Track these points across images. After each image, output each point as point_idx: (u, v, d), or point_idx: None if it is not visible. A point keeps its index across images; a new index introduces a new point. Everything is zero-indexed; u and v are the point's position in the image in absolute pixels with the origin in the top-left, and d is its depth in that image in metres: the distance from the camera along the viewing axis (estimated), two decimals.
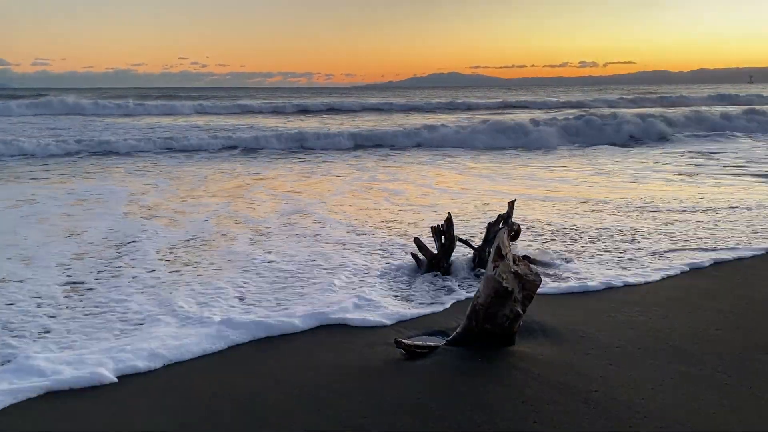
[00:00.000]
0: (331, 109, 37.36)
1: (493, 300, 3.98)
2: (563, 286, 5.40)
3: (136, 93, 63.43)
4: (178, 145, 17.95)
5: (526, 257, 5.99)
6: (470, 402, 3.37)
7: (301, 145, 18.57)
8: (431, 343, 4.12)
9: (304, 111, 36.94)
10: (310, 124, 26.69)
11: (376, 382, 3.66)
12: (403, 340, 4.03)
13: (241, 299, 5.12)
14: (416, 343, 4.08)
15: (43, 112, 31.06)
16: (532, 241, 6.97)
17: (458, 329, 4.22)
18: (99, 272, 5.90)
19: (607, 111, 27.94)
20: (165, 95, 56.39)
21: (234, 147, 18.16)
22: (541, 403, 3.34)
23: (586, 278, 5.59)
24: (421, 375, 3.71)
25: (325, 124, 26.34)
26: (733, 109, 27.80)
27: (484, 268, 4.73)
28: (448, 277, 5.69)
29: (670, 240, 6.97)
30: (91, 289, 5.42)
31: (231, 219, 8.38)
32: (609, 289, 5.32)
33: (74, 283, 5.59)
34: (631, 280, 5.52)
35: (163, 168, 14.23)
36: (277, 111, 37.20)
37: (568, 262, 6.08)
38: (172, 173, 13.30)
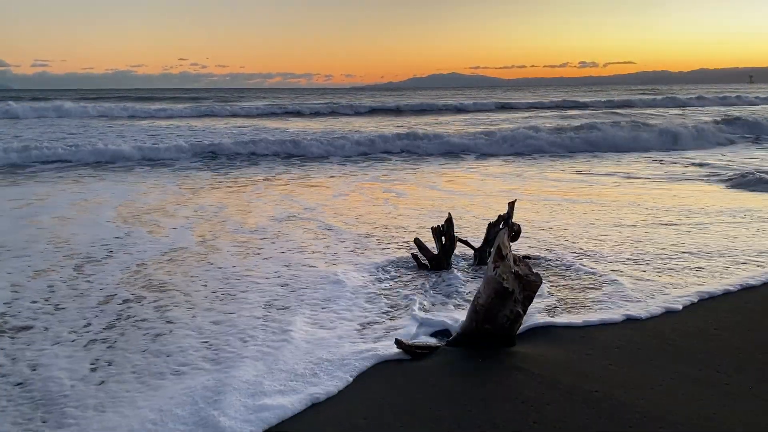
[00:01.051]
0: (333, 112, 36.96)
1: (494, 300, 3.99)
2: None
3: (136, 94, 63.28)
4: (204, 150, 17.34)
5: (526, 257, 6.00)
6: (471, 402, 3.37)
7: (326, 152, 17.68)
8: (432, 344, 4.13)
9: (316, 113, 36.20)
10: (329, 126, 26.43)
11: (377, 382, 3.66)
12: (404, 341, 4.04)
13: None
14: (417, 343, 4.08)
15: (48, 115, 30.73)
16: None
17: (458, 330, 4.23)
18: (45, 300, 5.15)
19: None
20: (178, 97, 55.36)
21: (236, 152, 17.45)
22: (542, 403, 3.34)
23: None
24: (422, 376, 3.72)
25: (329, 127, 26.16)
26: None
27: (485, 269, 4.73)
28: (449, 292, 5.34)
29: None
30: (27, 327, 4.59)
31: (219, 227, 7.98)
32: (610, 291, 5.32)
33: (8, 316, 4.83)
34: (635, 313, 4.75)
35: (170, 171, 14.23)
36: (319, 112, 36.47)
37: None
38: (179, 178, 13.16)
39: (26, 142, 17.81)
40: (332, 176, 13.29)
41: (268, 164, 15.49)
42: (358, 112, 37.11)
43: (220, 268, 6.09)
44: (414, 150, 18.33)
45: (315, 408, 3.38)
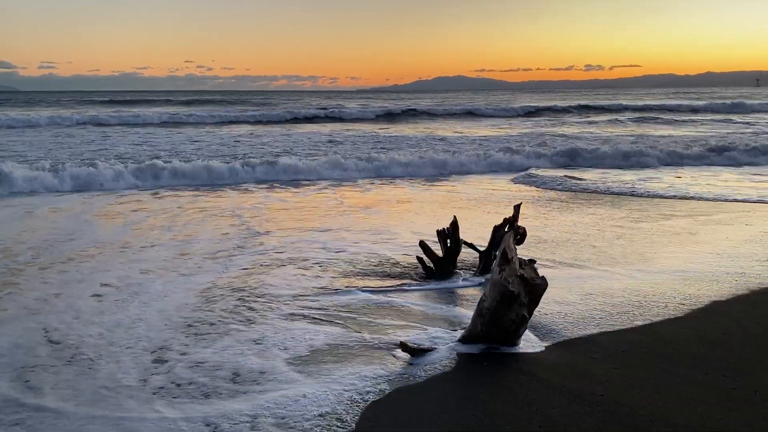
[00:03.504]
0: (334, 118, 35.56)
1: (499, 304, 3.99)
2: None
3: (141, 97, 62.88)
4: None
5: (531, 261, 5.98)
6: (475, 405, 3.37)
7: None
8: (436, 347, 4.13)
9: (389, 115, 35.52)
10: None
11: (382, 386, 3.66)
12: (408, 344, 4.04)
13: None
14: (422, 347, 4.08)
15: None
16: None
17: (463, 333, 4.23)
18: None
19: None
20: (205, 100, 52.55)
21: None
22: (546, 407, 3.34)
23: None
24: (427, 378, 3.72)
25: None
26: None
27: (490, 272, 4.71)
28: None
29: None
30: None
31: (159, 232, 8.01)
32: (613, 292, 5.31)
33: None
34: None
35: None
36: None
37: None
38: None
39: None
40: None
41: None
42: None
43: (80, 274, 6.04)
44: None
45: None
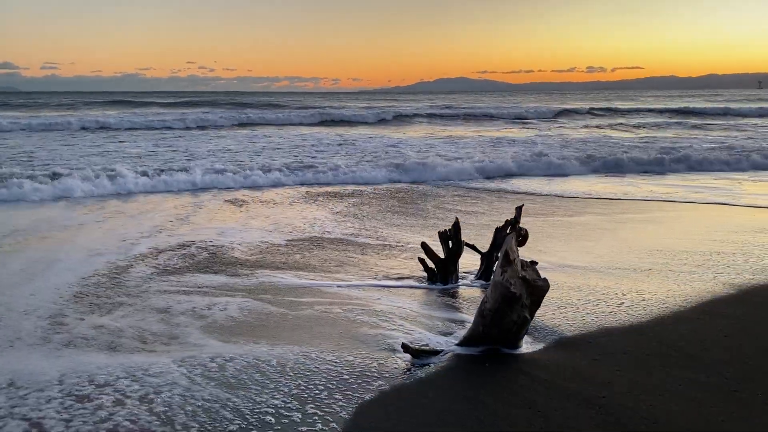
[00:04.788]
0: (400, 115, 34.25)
1: (501, 305, 3.98)
2: None
3: (143, 97, 62.02)
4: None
5: (533, 262, 5.97)
6: (477, 407, 3.36)
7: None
8: (438, 348, 4.12)
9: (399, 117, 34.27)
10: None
11: (383, 386, 3.66)
12: (411, 345, 4.03)
13: None
14: (423, 348, 4.08)
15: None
16: None
17: (465, 334, 4.22)
18: None
19: None
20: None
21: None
22: (548, 408, 3.33)
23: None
24: (429, 380, 3.71)
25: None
26: None
27: (492, 273, 4.71)
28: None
29: None
30: None
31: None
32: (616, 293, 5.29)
33: None
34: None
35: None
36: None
37: None
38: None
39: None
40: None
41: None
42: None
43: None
44: None
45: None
